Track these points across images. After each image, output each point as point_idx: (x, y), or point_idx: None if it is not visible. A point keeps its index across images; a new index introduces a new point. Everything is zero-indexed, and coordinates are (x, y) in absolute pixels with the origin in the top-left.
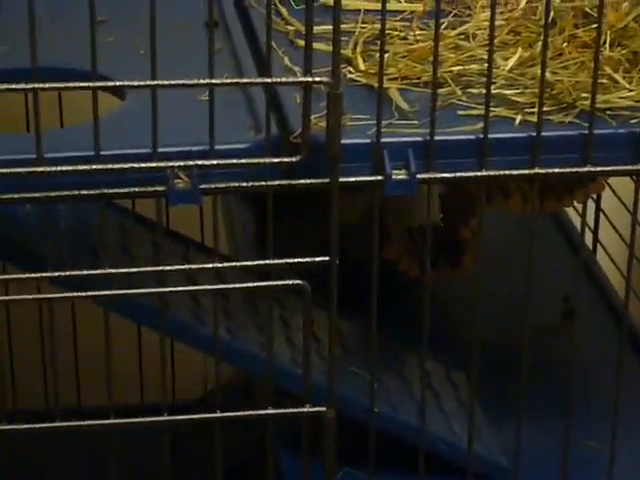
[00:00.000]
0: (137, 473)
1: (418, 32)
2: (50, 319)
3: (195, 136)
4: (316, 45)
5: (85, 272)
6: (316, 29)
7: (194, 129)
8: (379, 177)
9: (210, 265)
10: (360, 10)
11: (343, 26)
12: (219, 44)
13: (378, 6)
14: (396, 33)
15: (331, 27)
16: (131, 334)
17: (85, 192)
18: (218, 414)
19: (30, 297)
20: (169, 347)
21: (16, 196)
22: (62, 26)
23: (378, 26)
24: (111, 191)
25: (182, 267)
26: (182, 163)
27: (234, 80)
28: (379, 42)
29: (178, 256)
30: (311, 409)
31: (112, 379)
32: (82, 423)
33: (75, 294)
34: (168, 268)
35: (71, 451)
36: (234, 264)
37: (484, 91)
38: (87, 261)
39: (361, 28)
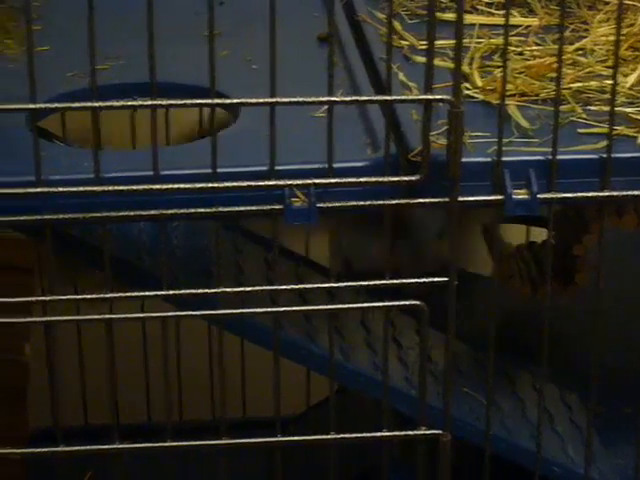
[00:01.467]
0: None
1: (534, 47)
2: (163, 335)
3: (312, 154)
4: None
5: (201, 291)
6: None
7: (310, 146)
8: (499, 197)
9: (326, 285)
10: (474, 25)
11: None
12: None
13: (494, 20)
14: (512, 48)
15: (447, 42)
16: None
17: (201, 210)
18: (333, 435)
19: (154, 315)
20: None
21: (132, 213)
22: (176, 41)
23: (494, 41)
24: (227, 209)
25: (296, 286)
26: (300, 182)
27: (354, 98)
28: (499, 58)
29: (290, 273)
30: (427, 432)
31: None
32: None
33: (191, 312)
34: (282, 287)
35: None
36: (351, 284)
37: (604, 108)
38: (200, 278)
39: (476, 43)
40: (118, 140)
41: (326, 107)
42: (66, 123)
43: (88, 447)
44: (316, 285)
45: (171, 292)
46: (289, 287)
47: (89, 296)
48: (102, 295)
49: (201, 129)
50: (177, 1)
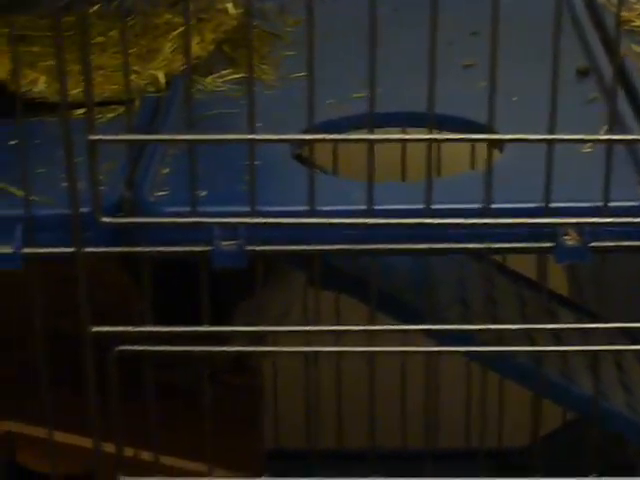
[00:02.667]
0: None
1: None
2: (431, 371)
3: (580, 191)
4: None
5: (466, 327)
6: None
7: (578, 184)
8: None
9: (605, 325)
10: None
11: None
12: (593, 93)
13: None
14: None
15: None
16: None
17: (472, 245)
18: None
19: (420, 349)
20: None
21: (402, 247)
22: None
23: None
24: (497, 245)
25: (565, 326)
26: (575, 220)
27: (627, 137)
28: None
29: (543, 310)
30: None
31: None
32: None
33: (457, 348)
34: (540, 326)
35: None
36: (608, 326)
37: None
38: (456, 312)
39: None
40: (382, 170)
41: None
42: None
43: None
44: (594, 326)
45: (437, 327)
46: (550, 326)
47: (355, 327)
48: (367, 327)
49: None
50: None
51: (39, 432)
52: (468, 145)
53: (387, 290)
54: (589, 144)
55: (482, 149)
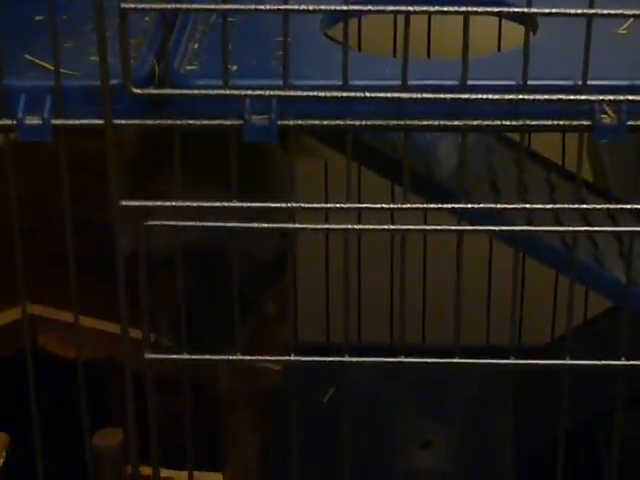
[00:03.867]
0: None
1: None
2: (458, 250)
3: (617, 71)
4: None
5: (499, 205)
6: None
7: (615, 63)
8: None
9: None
10: None
11: None
12: None
13: None
14: None
15: None
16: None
17: (507, 123)
18: (569, 361)
19: (449, 228)
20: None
21: (436, 123)
22: None
23: None
24: (533, 122)
25: (580, 206)
26: (612, 97)
27: None
28: None
29: (572, 196)
30: None
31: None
32: (427, 360)
33: (490, 227)
34: (566, 206)
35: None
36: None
37: None
38: (485, 193)
39: None
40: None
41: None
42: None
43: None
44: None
45: (469, 206)
46: (578, 206)
47: (387, 206)
48: (399, 206)
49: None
50: None
51: (62, 316)
52: (495, 28)
53: (418, 170)
54: (625, 25)
55: (510, 31)
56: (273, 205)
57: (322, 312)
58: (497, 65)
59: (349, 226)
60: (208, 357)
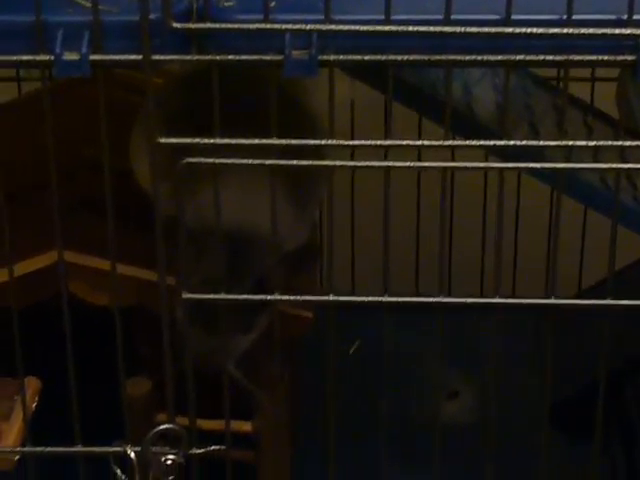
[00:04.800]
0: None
1: None
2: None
3: None
4: None
5: (533, 143)
6: None
7: None
8: None
9: None
10: None
11: None
12: None
13: None
14: None
15: None
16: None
17: (551, 57)
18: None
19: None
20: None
21: (479, 58)
22: None
23: None
24: (578, 57)
25: (618, 143)
26: None
27: None
28: None
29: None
30: None
31: None
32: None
33: (522, 165)
34: (605, 143)
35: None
36: None
37: None
38: (525, 133)
39: None
40: None
41: None
42: None
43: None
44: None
45: (511, 143)
46: (616, 143)
47: (429, 142)
48: (442, 142)
49: None
50: None
51: (94, 262)
52: None
53: (459, 108)
54: None
55: None
56: (308, 142)
57: (347, 266)
58: (539, 1)
59: (388, 163)
60: (244, 297)
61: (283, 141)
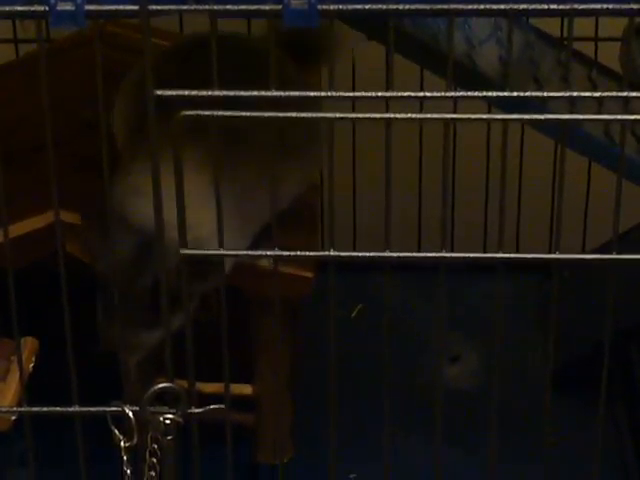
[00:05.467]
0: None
1: None
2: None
3: None
4: None
5: (540, 93)
6: None
7: None
8: None
9: None
10: None
11: None
12: None
13: None
14: None
15: None
16: None
17: (556, 6)
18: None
19: (498, 117)
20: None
21: (482, 7)
22: None
23: None
24: (582, 6)
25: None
26: None
27: None
28: None
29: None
30: None
31: None
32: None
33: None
34: (609, 94)
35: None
36: None
37: None
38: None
39: None
40: None
41: None
42: None
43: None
44: None
45: (514, 94)
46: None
47: (430, 94)
48: (445, 94)
49: None
50: None
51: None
52: None
53: (461, 60)
54: None
55: None
56: (307, 94)
57: (348, 225)
58: None
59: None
60: (245, 252)
61: (281, 92)
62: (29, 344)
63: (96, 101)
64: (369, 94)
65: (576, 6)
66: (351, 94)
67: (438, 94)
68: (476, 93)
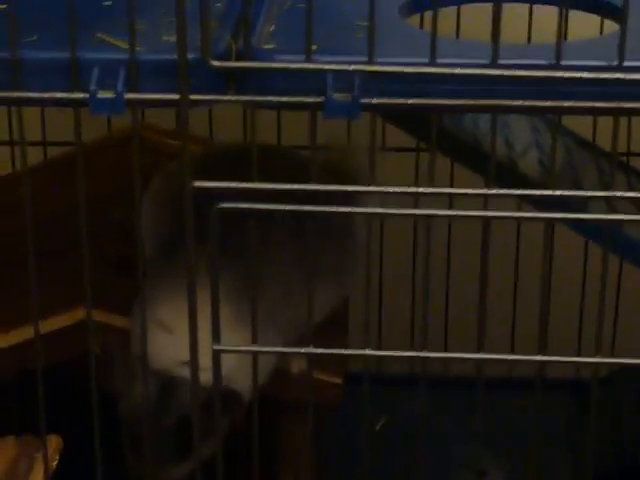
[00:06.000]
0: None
1: None
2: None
3: None
4: None
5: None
6: None
7: None
8: None
9: None
10: None
11: None
12: None
13: None
14: None
15: None
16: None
17: (599, 105)
18: None
19: (534, 215)
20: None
21: (526, 104)
22: None
23: None
24: (629, 105)
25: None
26: None
27: None
28: None
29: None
30: None
31: None
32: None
33: (569, 215)
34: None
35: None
36: None
37: None
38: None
39: None
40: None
41: None
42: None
43: None
44: None
45: (555, 192)
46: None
47: (464, 190)
48: (479, 190)
49: None
50: None
51: (116, 321)
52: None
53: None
54: None
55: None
56: (346, 188)
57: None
58: (591, 49)
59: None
60: (278, 349)
61: (318, 186)
62: (54, 442)
63: (125, 202)
64: (416, 190)
65: (623, 105)
66: (388, 189)
67: (480, 191)
68: (518, 191)
